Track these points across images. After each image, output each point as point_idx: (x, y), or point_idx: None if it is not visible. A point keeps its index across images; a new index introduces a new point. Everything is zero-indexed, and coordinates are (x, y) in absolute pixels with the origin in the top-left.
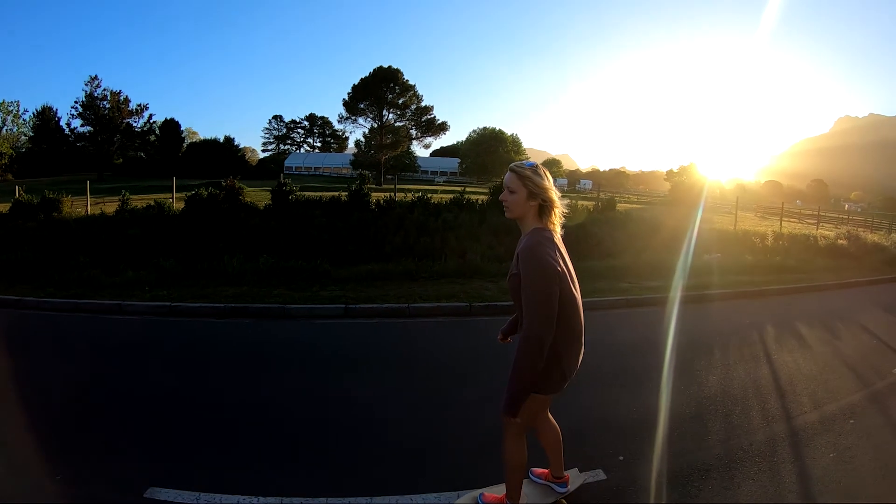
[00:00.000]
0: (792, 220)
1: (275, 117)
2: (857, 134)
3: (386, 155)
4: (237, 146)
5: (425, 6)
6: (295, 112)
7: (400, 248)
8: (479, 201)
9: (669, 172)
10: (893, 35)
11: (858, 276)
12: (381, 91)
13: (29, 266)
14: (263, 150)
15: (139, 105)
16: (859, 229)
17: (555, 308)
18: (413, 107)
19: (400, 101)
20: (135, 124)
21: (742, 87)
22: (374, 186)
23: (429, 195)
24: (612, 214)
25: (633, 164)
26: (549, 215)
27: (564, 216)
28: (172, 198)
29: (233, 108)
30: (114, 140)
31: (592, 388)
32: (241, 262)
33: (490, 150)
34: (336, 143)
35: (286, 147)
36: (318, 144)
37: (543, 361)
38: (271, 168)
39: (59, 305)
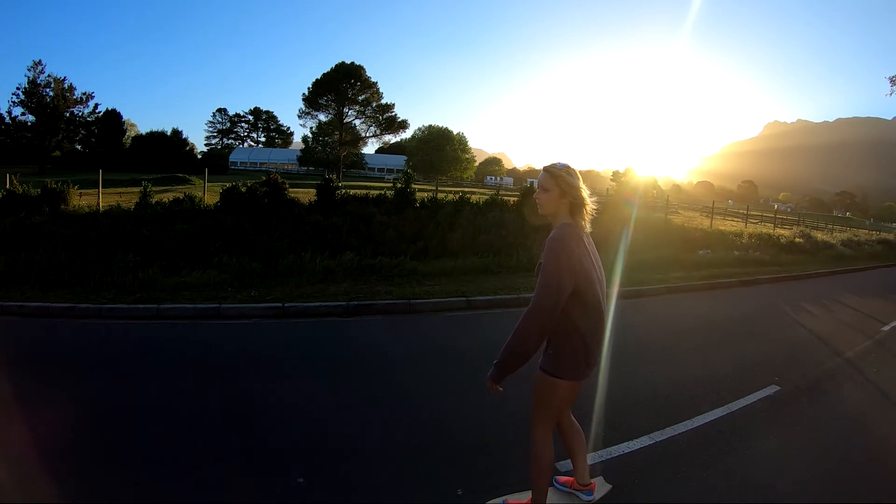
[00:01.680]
0: (736, 219)
1: (219, 110)
2: (785, 138)
3: (345, 151)
4: (185, 139)
5: (373, 4)
6: (239, 106)
7: (462, 245)
8: (512, 202)
9: (615, 173)
10: (821, 46)
11: (820, 268)
12: (343, 87)
13: (62, 268)
14: (206, 144)
15: (84, 94)
16: (809, 230)
17: (562, 297)
18: (374, 104)
19: (361, 98)
20: (79, 114)
21: (675, 93)
22: (343, 183)
23: (467, 195)
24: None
25: (568, 163)
26: (580, 213)
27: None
28: (146, 191)
29: (175, 100)
30: (58, 130)
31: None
32: (324, 259)
33: (438, 148)
34: (280, 139)
35: (230, 141)
36: (263, 139)
37: (542, 339)
38: (219, 163)
39: (129, 312)
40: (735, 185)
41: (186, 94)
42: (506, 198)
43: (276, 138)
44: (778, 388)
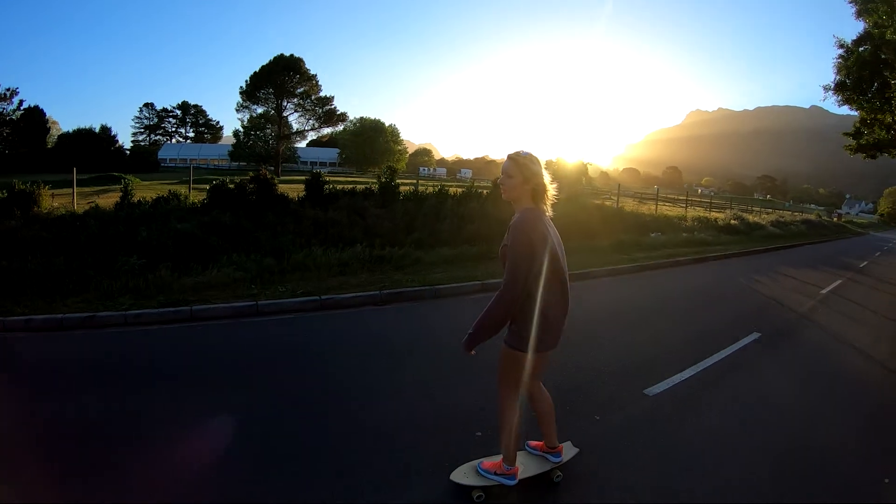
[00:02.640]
0: (666, 203)
1: (146, 105)
2: (707, 126)
3: (284, 145)
4: (113, 137)
5: None
6: (166, 100)
7: (451, 235)
8: (484, 193)
9: (548, 161)
10: (742, 38)
11: (757, 246)
12: (282, 80)
13: (62, 275)
14: (133, 141)
15: (8, 89)
16: (743, 213)
17: (529, 276)
18: (313, 97)
19: (300, 91)
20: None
21: (601, 82)
22: (281, 178)
23: (445, 188)
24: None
25: (494, 152)
26: (542, 199)
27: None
28: (127, 190)
29: (102, 96)
30: None
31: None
32: (337, 252)
33: (370, 140)
34: (210, 133)
35: (157, 137)
36: (191, 134)
37: (509, 316)
38: (149, 160)
39: (159, 317)
40: (660, 171)
41: (113, 90)
42: (479, 189)
43: (206, 133)
44: (759, 334)
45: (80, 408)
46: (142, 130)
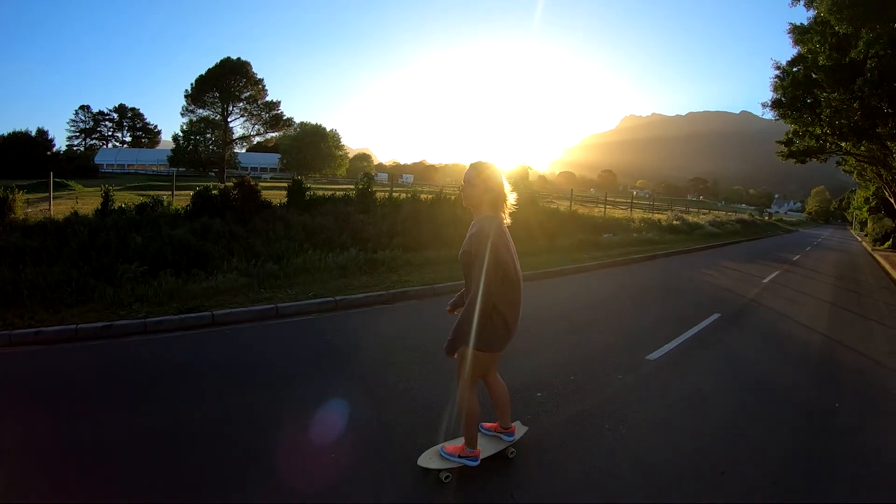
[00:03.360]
0: (607, 206)
1: (82, 108)
2: (641, 130)
3: (228, 152)
4: (51, 141)
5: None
6: (103, 103)
7: (430, 238)
8: (453, 198)
9: (485, 165)
10: (675, 46)
11: (699, 244)
12: (228, 84)
13: (61, 285)
14: (69, 145)
15: None
16: (683, 214)
17: (498, 279)
18: (259, 101)
19: (246, 95)
20: None
21: (538, 88)
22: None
23: (418, 194)
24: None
25: (432, 157)
26: (501, 207)
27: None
28: (108, 196)
29: (37, 98)
30: None
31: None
32: (334, 256)
33: (312, 145)
34: (147, 138)
35: (93, 141)
36: (129, 139)
37: (483, 317)
38: (88, 166)
39: (180, 323)
40: (595, 174)
41: (48, 92)
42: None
43: (143, 137)
44: (719, 314)
45: (224, 409)
46: (77, 134)
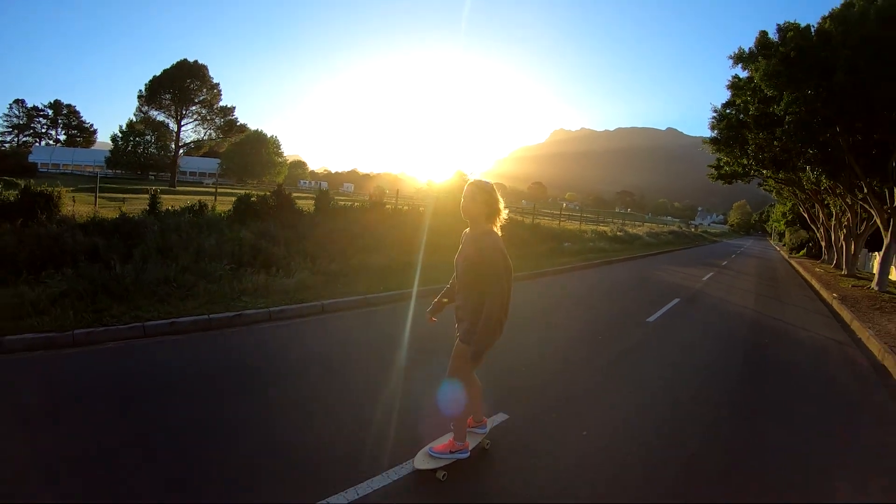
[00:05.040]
0: (545, 218)
1: (16, 101)
2: (570, 144)
3: (180, 156)
4: None
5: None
6: (36, 98)
7: (434, 244)
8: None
9: (429, 183)
10: (605, 63)
11: (643, 252)
12: (184, 86)
13: (160, 282)
14: (0, 141)
15: None
16: (625, 226)
17: (506, 290)
18: (215, 106)
19: (200, 99)
20: None
21: (469, 99)
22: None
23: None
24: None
25: (363, 166)
26: (496, 220)
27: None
28: (156, 198)
29: None
30: None
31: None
32: (377, 257)
33: (253, 151)
34: (82, 137)
35: (26, 138)
36: (63, 137)
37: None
38: (24, 164)
39: (298, 312)
40: (526, 185)
41: None
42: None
43: (78, 136)
44: (679, 299)
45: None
46: (10, 130)
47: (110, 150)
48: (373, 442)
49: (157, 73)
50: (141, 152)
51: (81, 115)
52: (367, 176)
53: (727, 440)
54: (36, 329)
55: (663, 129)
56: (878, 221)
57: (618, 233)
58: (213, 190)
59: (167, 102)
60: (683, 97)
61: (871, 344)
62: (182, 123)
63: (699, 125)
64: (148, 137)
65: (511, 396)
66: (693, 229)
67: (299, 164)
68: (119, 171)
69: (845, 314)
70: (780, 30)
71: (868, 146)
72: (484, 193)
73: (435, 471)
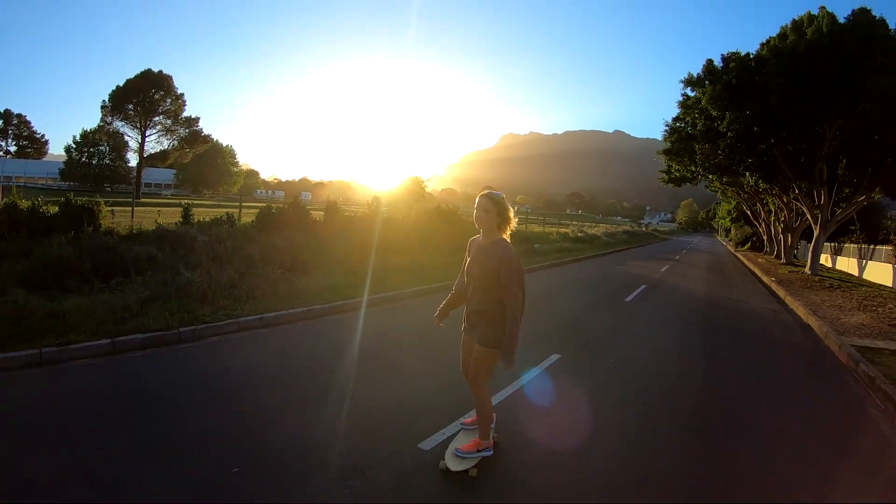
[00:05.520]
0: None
1: None
2: (520, 148)
3: (144, 167)
4: None
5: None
6: None
7: (436, 246)
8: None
9: (346, 183)
10: (551, 67)
11: (604, 250)
12: (148, 97)
13: (229, 285)
14: None
15: None
16: (584, 227)
17: (523, 296)
18: (180, 116)
19: (164, 109)
20: None
21: (418, 105)
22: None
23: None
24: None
25: (313, 174)
26: (506, 228)
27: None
28: (188, 210)
29: None
30: None
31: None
32: (392, 260)
33: (209, 161)
34: (33, 148)
35: None
36: (13, 148)
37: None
38: None
39: (368, 303)
40: (477, 190)
41: None
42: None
43: (29, 147)
44: (646, 285)
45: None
46: None
47: (64, 162)
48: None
49: (121, 83)
50: (96, 164)
51: (32, 125)
52: (319, 184)
53: (694, 365)
54: (143, 330)
55: (611, 131)
56: (809, 217)
57: (578, 234)
58: (178, 201)
59: (131, 113)
60: (630, 100)
61: (799, 310)
62: (147, 134)
63: (646, 127)
64: (103, 148)
65: (561, 339)
66: (644, 228)
67: (252, 174)
68: (73, 184)
69: (781, 292)
70: (724, 59)
71: (798, 155)
72: (496, 205)
73: (467, 470)
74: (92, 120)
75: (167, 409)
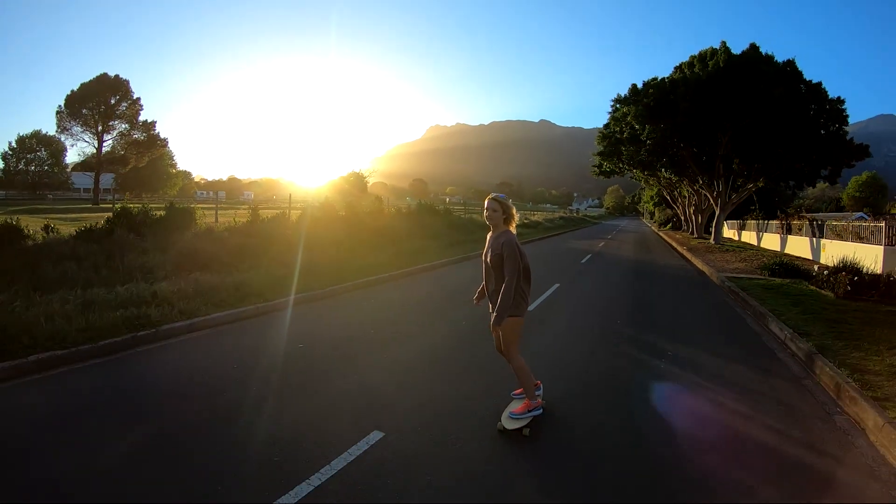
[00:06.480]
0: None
1: None
2: (447, 139)
3: (103, 172)
4: None
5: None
6: None
7: (416, 234)
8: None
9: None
10: (475, 59)
11: (547, 234)
12: (105, 100)
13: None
14: None
15: None
16: (526, 214)
17: (520, 269)
18: (137, 120)
19: (120, 112)
20: None
21: (341, 99)
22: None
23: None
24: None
25: (240, 173)
26: (511, 223)
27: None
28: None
29: None
30: None
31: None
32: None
33: (150, 164)
34: None
35: None
36: None
37: (515, 294)
38: None
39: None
40: (405, 183)
41: None
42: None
43: None
44: (591, 254)
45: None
46: None
47: (2, 170)
48: None
49: (75, 88)
50: (34, 171)
51: None
52: (255, 182)
53: (632, 285)
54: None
55: (536, 120)
56: (711, 201)
57: (525, 220)
58: (141, 205)
59: (88, 117)
60: (554, 89)
61: (698, 264)
62: (104, 139)
63: (570, 116)
64: (41, 154)
65: (556, 279)
66: (576, 214)
67: (184, 175)
68: (10, 192)
69: (688, 255)
70: (645, 84)
71: (701, 156)
72: (501, 205)
73: (520, 429)
74: (15, 127)
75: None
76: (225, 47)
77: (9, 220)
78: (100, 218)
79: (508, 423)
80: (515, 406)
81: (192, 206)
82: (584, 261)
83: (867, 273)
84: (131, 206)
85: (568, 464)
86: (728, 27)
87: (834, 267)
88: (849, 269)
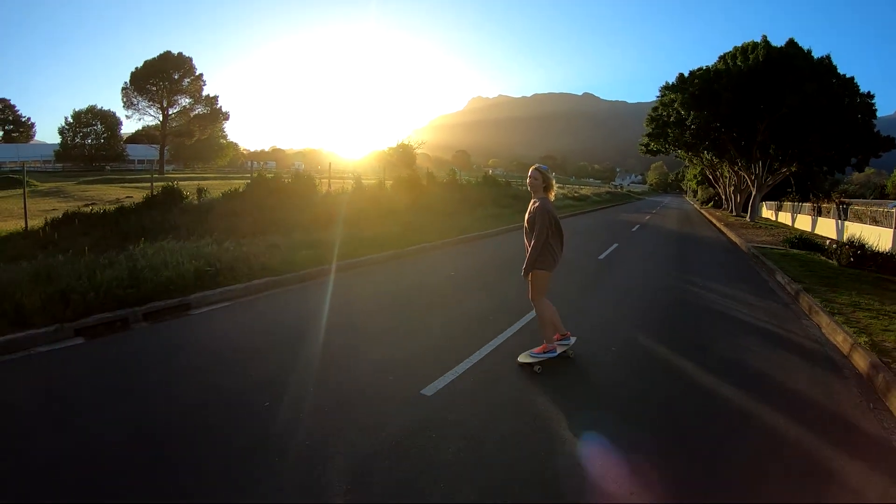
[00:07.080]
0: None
1: None
2: (488, 111)
3: (168, 144)
4: None
5: None
6: None
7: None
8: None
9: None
10: (518, 29)
11: (595, 207)
12: (170, 76)
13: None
14: None
15: None
16: (577, 189)
17: (550, 228)
18: (201, 95)
19: (184, 87)
20: None
21: (383, 70)
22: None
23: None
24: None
25: (281, 143)
26: (550, 192)
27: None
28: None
29: None
30: None
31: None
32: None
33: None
34: (19, 132)
35: None
36: None
37: (543, 250)
38: None
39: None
40: (448, 154)
41: None
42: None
43: (14, 132)
44: (639, 225)
45: None
46: None
47: (60, 144)
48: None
49: (139, 65)
50: (91, 143)
51: (18, 109)
52: (300, 153)
53: (675, 250)
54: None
55: (580, 94)
56: (749, 182)
57: (574, 194)
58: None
59: (154, 92)
60: (599, 62)
61: (733, 238)
62: (169, 113)
63: (615, 90)
64: (97, 128)
65: (615, 240)
66: (620, 189)
67: (233, 146)
68: (68, 165)
69: (725, 229)
70: (692, 73)
71: (740, 140)
72: (543, 175)
73: (533, 365)
74: (72, 102)
75: None
76: (264, 16)
77: (170, 184)
78: (188, 186)
79: (524, 358)
80: (539, 347)
81: (312, 175)
82: (633, 229)
83: (870, 248)
84: (267, 174)
85: (650, 315)
86: (769, 15)
87: (841, 242)
88: (854, 245)
